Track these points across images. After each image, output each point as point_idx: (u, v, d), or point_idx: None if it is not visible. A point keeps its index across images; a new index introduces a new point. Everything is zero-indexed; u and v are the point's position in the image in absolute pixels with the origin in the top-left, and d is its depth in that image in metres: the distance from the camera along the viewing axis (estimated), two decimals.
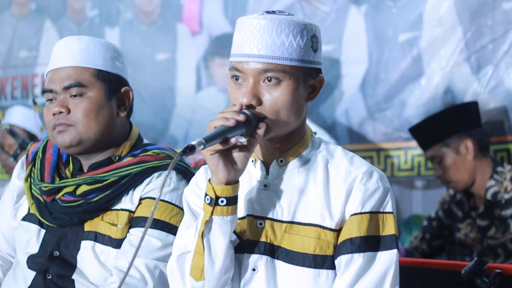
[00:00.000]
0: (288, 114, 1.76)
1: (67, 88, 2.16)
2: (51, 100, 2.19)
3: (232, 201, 1.74)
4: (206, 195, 1.75)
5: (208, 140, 1.67)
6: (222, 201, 1.73)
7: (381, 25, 4.06)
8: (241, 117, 1.71)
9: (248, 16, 1.80)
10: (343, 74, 4.16)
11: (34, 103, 3.87)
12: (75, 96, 2.16)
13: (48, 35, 5.13)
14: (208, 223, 1.75)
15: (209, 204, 1.74)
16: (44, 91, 2.20)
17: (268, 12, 1.78)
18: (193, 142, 1.65)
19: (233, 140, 1.71)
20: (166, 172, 2.16)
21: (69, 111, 2.16)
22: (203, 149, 1.67)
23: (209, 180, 1.76)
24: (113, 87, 2.20)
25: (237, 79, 1.78)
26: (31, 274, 2.19)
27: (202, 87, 4.60)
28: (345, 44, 4.16)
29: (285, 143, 1.82)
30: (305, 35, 1.76)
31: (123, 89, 2.23)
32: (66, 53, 2.19)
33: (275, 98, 1.75)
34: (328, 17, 4.20)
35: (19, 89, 5.26)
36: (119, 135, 2.24)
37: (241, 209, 1.83)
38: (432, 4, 3.91)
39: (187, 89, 4.61)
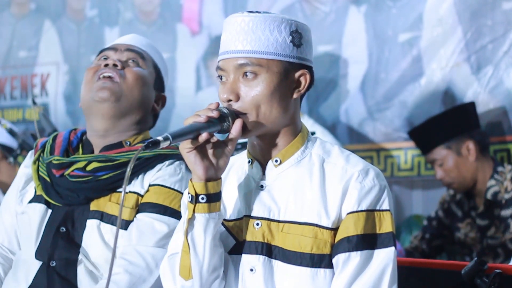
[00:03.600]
0: (269, 108, 1.75)
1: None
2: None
3: (212, 198, 1.74)
4: (188, 193, 1.76)
5: (176, 136, 1.66)
6: (202, 198, 1.73)
7: (381, 25, 4.05)
8: (214, 114, 1.71)
9: (231, 15, 1.80)
10: (343, 74, 4.16)
11: (34, 103, 3.85)
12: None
13: (47, 35, 5.13)
14: (191, 221, 1.75)
15: (191, 201, 1.74)
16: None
17: (250, 12, 1.78)
18: (159, 137, 1.64)
19: (203, 136, 1.70)
20: (176, 162, 2.21)
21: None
22: (170, 144, 1.65)
23: (190, 179, 1.76)
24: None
25: (221, 79, 1.79)
26: (34, 268, 2.18)
27: (202, 87, 4.59)
28: (345, 44, 4.16)
29: (278, 142, 1.81)
30: (282, 30, 1.75)
31: None
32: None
33: (253, 92, 1.75)
34: (328, 17, 4.20)
35: (18, 89, 5.26)
36: (148, 125, 2.32)
37: (238, 210, 1.83)
38: (432, 4, 3.91)
39: (186, 89, 4.61)
